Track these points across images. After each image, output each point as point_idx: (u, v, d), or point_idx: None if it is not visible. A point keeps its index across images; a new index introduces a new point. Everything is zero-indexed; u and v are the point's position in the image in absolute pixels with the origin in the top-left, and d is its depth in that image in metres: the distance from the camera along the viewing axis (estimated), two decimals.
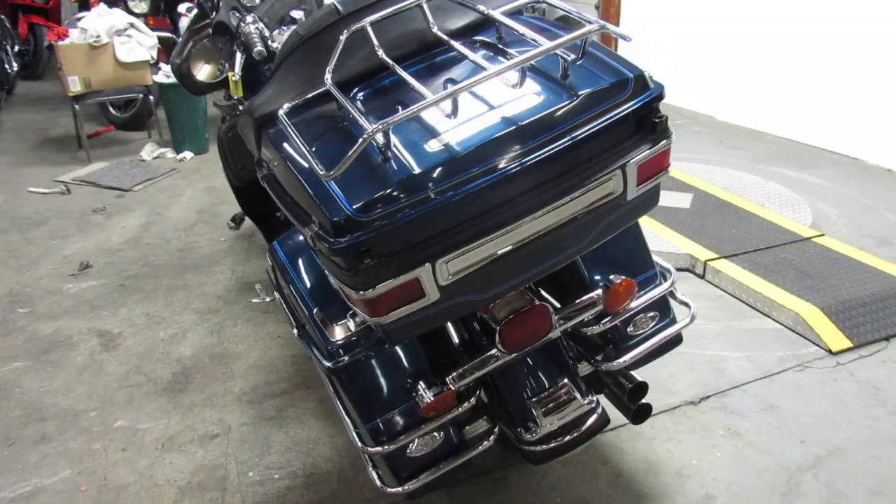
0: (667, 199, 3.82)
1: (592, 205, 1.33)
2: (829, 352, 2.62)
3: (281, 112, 1.39)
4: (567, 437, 1.69)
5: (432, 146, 1.23)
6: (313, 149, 1.28)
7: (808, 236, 3.36)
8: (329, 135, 1.37)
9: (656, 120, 1.31)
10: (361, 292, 1.21)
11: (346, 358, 1.57)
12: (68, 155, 5.16)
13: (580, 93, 1.28)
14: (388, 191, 1.18)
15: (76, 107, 4.91)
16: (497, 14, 1.45)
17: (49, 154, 5.21)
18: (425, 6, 1.45)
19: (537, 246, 1.33)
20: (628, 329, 1.77)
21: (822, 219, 3.70)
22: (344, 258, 1.20)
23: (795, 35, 4.95)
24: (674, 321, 1.82)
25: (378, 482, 1.64)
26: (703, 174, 4.19)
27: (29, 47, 7.29)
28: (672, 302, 1.91)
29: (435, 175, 1.19)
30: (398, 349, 1.61)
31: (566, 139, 1.24)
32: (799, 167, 4.49)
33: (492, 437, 1.69)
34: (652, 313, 1.80)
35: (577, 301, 1.67)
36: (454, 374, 1.56)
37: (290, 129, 1.33)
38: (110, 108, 5.66)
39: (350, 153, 1.14)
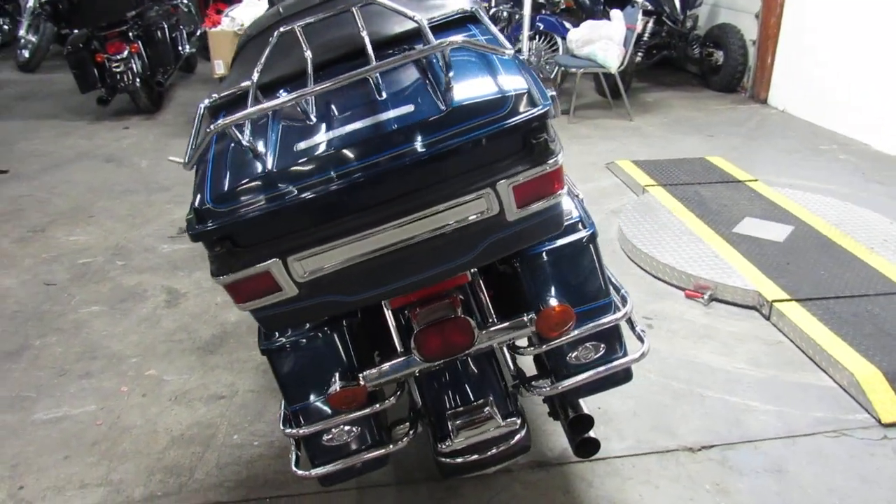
0: (760, 229, 3.51)
1: (464, 222, 1.30)
2: (879, 422, 2.29)
3: (201, 105, 1.50)
4: (478, 456, 1.66)
5: (298, 147, 1.28)
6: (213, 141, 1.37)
7: None
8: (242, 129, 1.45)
9: (534, 140, 1.25)
10: (217, 278, 1.29)
11: (277, 342, 1.66)
12: None
13: (452, 106, 1.25)
14: (240, 186, 1.24)
15: None
16: (423, 22, 1.44)
17: None
18: (356, 12, 1.48)
19: (408, 255, 1.32)
20: (569, 357, 1.69)
21: None
22: (204, 245, 1.28)
23: None
24: (622, 355, 1.71)
25: (292, 464, 1.72)
26: (816, 206, 3.77)
27: None
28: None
29: (287, 175, 1.24)
30: (327, 343, 1.67)
31: (425, 151, 1.23)
32: None
33: (405, 439, 1.70)
34: (597, 344, 1.70)
35: (506, 320, 1.63)
36: (368, 372, 1.60)
37: (197, 121, 1.43)
38: None
39: (197, 146, 1.22)
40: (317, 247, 1.27)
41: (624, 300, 1.73)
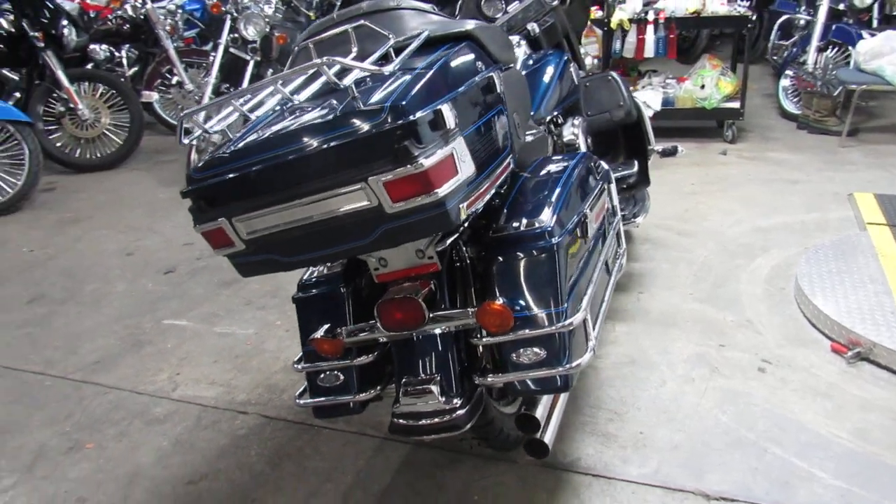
0: None
1: (350, 209, 1.54)
2: None
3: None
4: (409, 422, 1.86)
5: (247, 138, 1.66)
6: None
7: None
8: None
9: (397, 145, 1.45)
10: (194, 227, 1.74)
11: (301, 294, 2.09)
12: None
13: (341, 111, 1.52)
14: (209, 163, 1.66)
15: None
16: (391, 42, 1.71)
17: None
18: (350, 31, 1.81)
19: (319, 231, 1.62)
20: (511, 355, 1.80)
21: None
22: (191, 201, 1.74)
23: None
24: (554, 366, 1.75)
25: (297, 394, 2.13)
26: None
27: None
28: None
29: (231, 158, 1.63)
30: (336, 301, 2.03)
31: (312, 149, 1.52)
32: None
33: (372, 392, 1.98)
34: (538, 349, 1.77)
35: (454, 310, 1.83)
36: (347, 328, 1.94)
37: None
38: None
39: (178, 132, 1.68)
40: (248, 213, 1.64)
41: (576, 311, 1.77)
